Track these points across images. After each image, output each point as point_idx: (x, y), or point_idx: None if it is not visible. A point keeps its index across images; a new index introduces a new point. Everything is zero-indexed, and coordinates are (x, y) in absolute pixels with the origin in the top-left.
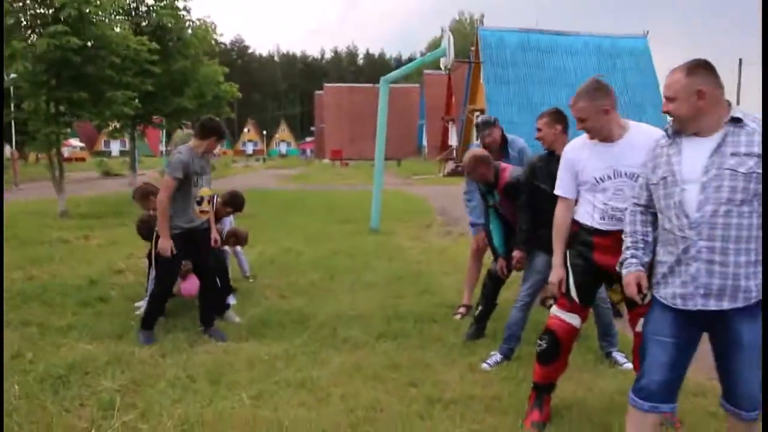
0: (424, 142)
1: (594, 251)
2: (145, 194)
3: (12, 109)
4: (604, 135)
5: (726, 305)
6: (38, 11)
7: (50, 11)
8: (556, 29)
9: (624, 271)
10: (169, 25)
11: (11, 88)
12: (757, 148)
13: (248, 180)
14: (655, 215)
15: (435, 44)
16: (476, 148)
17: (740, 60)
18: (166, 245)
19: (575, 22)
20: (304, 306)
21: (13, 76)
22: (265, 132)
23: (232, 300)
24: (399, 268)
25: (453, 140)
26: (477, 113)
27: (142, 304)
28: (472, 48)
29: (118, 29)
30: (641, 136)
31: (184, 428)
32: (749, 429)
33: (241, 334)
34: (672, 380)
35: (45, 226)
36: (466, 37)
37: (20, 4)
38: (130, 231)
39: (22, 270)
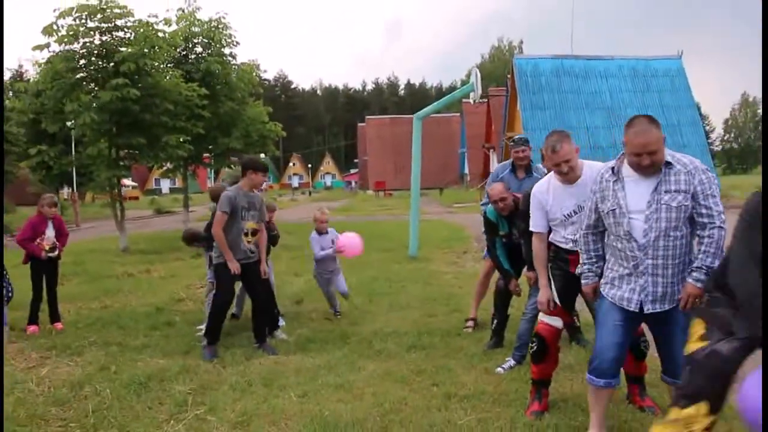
0: (466, 170)
1: (570, 264)
2: (191, 239)
3: (73, 155)
4: (576, 175)
5: (667, 306)
6: (101, 66)
7: (111, 65)
8: (590, 54)
9: (583, 282)
10: (217, 71)
11: (72, 135)
12: (684, 185)
13: (294, 213)
14: (602, 233)
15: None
16: (498, 184)
17: None
18: (234, 266)
19: (612, 43)
20: (345, 326)
21: (68, 124)
22: (310, 165)
23: (281, 322)
24: (433, 291)
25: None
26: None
27: (202, 327)
28: (509, 76)
29: (169, 78)
30: (591, 173)
31: (243, 419)
32: None
33: (290, 349)
34: (619, 359)
35: (110, 261)
36: (505, 63)
37: (85, 61)
38: (188, 264)
39: (97, 300)
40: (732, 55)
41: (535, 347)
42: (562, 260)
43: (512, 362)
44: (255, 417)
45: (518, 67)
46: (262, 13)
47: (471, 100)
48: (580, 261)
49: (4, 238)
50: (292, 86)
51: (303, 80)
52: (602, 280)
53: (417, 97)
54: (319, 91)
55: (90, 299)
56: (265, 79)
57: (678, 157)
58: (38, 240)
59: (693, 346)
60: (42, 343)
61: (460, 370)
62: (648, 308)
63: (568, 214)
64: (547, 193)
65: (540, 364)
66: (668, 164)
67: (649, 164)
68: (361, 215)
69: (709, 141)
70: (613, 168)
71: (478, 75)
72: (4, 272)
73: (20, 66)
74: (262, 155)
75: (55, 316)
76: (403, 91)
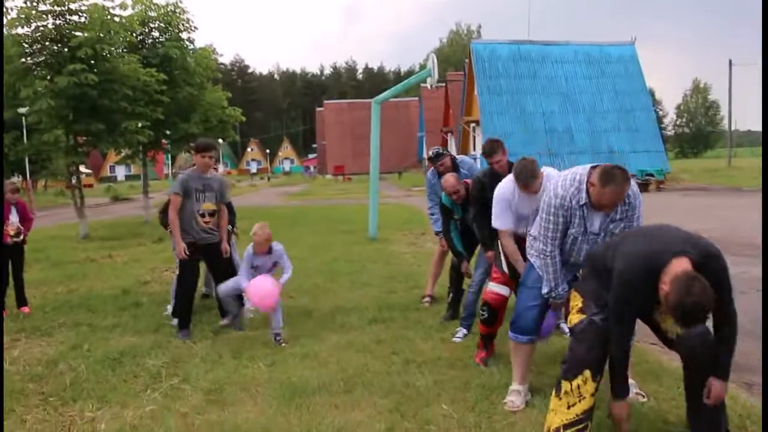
0: (425, 154)
1: (520, 242)
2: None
3: (25, 142)
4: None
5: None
6: (56, 50)
7: (66, 50)
8: (547, 39)
9: (554, 295)
10: (175, 56)
11: (23, 122)
12: (627, 215)
13: (253, 198)
14: (559, 250)
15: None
16: (450, 176)
17: (730, 61)
18: (180, 248)
19: (569, 28)
20: (308, 303)
21: (22, 111)
22: (268, 150)
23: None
24: (392, 270)
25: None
26: (472, 124)
27: (169, 307)
28: (467, 60)
29: (127, 63)
30: (547, 184)
31: (216, 387)
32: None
33: (255, 325)
34: (539, 316)
35: (71, 248)
36: (464, 48)
37: (39, 45)
38: (150, 249)
39: (62, 285)
40: (686, 42)
41: (486, 315)
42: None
43: (464, 331)
44: (227, 385)
45: (475, 52)
46: None
47: (428, 85)
48: (546, 282)
49: None
50: (249, 70)
51: (260, 64)
52: (532, 251)
53: (375, 81)
54: (276, 76)
55: (55, 284)
56: (221, 64)
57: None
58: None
59: (573, 318)
60: (11, 327)
61: (418, 339)
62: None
63: (526, 215)
64: (512, 197)
65: (489, 327)
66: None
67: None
68: (320, 199)
69: (662, 126)
70: (584, 202)
71: (435, 60)
72: None
73: None
74: (220, 140)
75: (22, 301)
76: (361, 75)
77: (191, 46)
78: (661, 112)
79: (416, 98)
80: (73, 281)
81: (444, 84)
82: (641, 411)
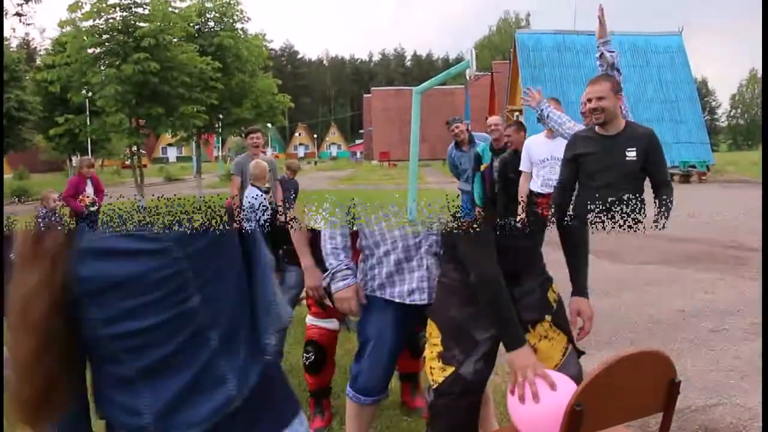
0: None
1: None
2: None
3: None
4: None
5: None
6: (122, 41)
7: (131, 40)
8: (592, 29)
9: None
10: (229, 45)
11: (86, 103)
12: None
13: (301, 182)
14: None
15: (482, 44)
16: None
17: None
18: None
19: (618, 16)
20: None
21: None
22: (316, 135)
23: None
24: None
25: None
26: (516, 113)
27: None
28: (512, 50)
29: (185, 52)
30: None
31: None
32: None
33: None
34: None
35: None
36: (512, 36)
37: (107, 35)
38: None
39: None
40: (743, 31)
41: (312, 356)
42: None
43: None
44: None
45: (520, 42)
46: None
47: (467, 77)
48: None
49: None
50: (299, 56)
51: (309, 50)
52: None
53: (424, 68)
54: (325, 62)
55: None
56: (272, 49)
57: None
58: (80, 197)
59: (431, 370)
60: None
61: None
62: None
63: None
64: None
65: (318, 374)
66: None
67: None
68: (366, 184)
69: (715, 117)
70: None
71: (473, 53)
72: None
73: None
74: (269, 125)
75: None
76: (409, 62)
77: (244, 36)
78: (714, 103)
79: (462, 86)
80: None
81: (484, 74)
82: None
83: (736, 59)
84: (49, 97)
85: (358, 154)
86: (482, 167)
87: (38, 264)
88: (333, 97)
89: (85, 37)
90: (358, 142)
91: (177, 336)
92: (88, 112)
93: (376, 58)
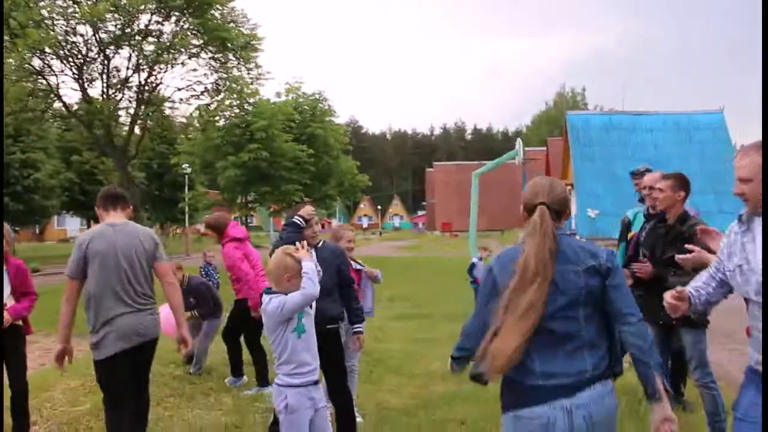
0: None
1: None
2: None
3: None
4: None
5: None
6: (240, 134)
7: (246, 134)
8: (638, 110)
9: None
10: (319, 134)
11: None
12: None
13: (368, 250)
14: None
15: (539, 118)
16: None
17: None
18: None
19: (664, 96)
20: (423, 312)
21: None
22: (379, 207)
23: None
24: None
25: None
26: (568, 187)
27: None
28: (564, 128)
29: (286, 143)
30: None
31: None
32: None
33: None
34: None
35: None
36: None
37: (227, 130)
38: None
39: None
40: None
41: None
42: None
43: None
44: None
45: (570, 122)
46: (337, 59)
47: (516, 162)
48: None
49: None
50: (363, 131)
51: (373, 125)
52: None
53: (484, 141)
54: (388, 136)
55: None
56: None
57: None
58: None
59: None
60: None
61: None
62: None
63: None
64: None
65: None
66: None
67: (740, 193)
68: (429, 252)
69: None
70: (741, 216)
71: (521, 143)
72: None
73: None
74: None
75: None
76: (470, 136)
77: (330, 125)
78: None
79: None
80: None
81: (541, 149)
82: None
83: None
84: (149, 173)
85: (421, 225)
86: (629, 235)
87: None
88: (395, 169)
89: (215, 133)
90: (420, 213)
91: None
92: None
93: (437, 131)
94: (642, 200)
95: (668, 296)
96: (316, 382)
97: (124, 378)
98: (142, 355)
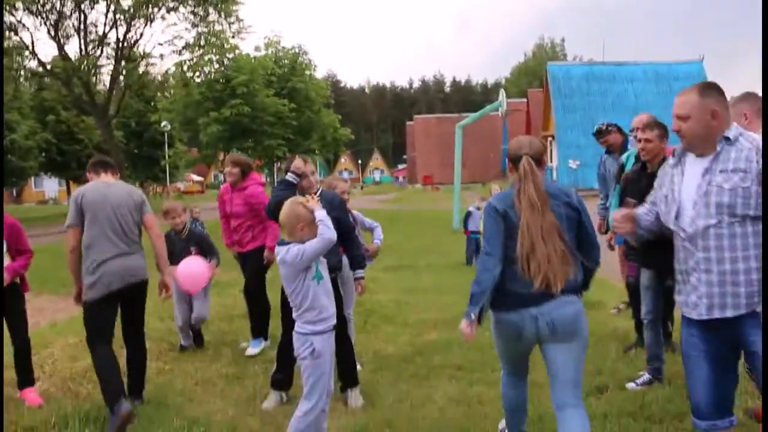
0: (507, 166)
1: None
2: None
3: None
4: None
5: (729, 313)
6: (221, 89)
7: (227, 90)
8: (619, 60)
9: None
10: (300, 88)
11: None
12: (743, 163)
13: (351, 204)
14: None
15: (519, 69)
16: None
17: None
18: None
19: (645, 45)
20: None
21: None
22: (359, 161)
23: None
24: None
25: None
26: (549, 138)
27: None
28: (545, 79)
29: (267, 97)
30: None
31: None
32: None
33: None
34: (719, 397)
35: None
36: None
37: (209, 86)
38: None
39: None
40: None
41: None
42: None
43: (647, 377)
44: None
45: (551, 73)
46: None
47: (499, 114)
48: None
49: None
50: (341, 85)
51: (351, 79)
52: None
53: (463, 93)
54: (367, 90)
55: None
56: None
57: (749, 133)
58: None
59: None
60: None
61: None
62: (702, 314)
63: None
64: None
65: None
66: (727, 139)
67: (677, 130)
68: (412, 204)
69: None
70: (674, 151)
71: (504, 94)
72: None
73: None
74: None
75: None
76: (449, 89)
77: (310, 79)
78: None
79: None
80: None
81: (521, 101)
82: None
83: (754, 85)
84: (126, 131)
85: (402, 179)
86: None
87: None
88: (375, 123)
89: (196, 89)
90: (400, 167)
91: None
92: (166, 145)
93: (416, 84)
94: (609, 152)
95: (616, 215)
96: (334, 327)
97: (111, 317)
98: (135, 295)
